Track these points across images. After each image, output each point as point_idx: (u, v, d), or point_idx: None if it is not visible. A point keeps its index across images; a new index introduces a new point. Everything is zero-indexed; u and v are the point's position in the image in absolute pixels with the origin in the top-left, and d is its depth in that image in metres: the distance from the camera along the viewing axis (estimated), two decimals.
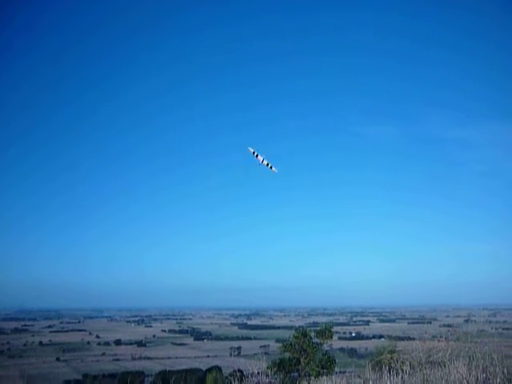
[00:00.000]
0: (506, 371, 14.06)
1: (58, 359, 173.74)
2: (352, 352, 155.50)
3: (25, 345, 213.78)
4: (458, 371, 14.47)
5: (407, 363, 17.32)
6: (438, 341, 19.20)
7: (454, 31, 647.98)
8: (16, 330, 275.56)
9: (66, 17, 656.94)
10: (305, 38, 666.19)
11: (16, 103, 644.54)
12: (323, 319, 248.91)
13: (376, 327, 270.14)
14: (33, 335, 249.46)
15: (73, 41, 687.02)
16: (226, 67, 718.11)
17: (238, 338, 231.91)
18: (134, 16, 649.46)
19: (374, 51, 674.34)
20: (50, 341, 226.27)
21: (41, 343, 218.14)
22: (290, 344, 26.83)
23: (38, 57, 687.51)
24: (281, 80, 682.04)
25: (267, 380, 21.71)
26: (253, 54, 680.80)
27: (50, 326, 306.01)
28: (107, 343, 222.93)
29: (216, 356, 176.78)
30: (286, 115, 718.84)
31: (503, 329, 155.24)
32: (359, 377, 19.28)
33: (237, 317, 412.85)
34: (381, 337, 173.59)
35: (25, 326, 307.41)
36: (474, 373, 14.26)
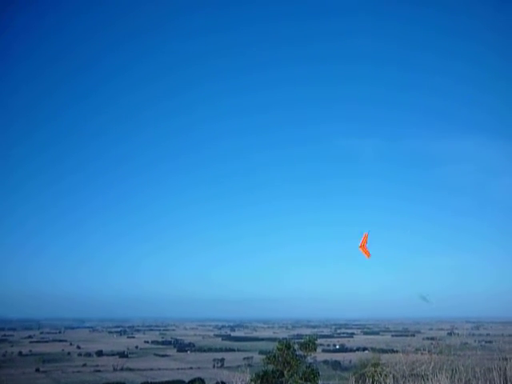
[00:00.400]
0: None
1: (37, 370, 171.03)
2: (336, 364, 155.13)
3: (4, 355, 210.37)
4: None
5: (390, 376, 17.30)
6: (422, 354, 19.23)
7: (428, 51, 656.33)
8: None
9: (68, 19, 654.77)
10: (297, 46, 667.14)
11: (16, 107, 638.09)
12: (307, 331, 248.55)
13: (360, 340, 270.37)
14: (12, 345, 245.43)
15: (74, 44, 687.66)
16: (220, 73, 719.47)
17: (221, 350, 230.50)
18: (136, 19, 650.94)
19: (365, 58, 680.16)
20: (30, 351, 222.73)
21: (20, 353, 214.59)
22: (274, 356, 26.68)
23: (40, 59, 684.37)
24: (274, 87, 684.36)
25: None
26: (239, 62, 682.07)
27: (30, 337, 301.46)
28: (88, 354, 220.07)
29: (199, 368, 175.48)
30: (279, 123, 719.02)
31: (486, 342, 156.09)
32: None
33: (220, 328, 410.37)
34: (365, 349, 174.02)
35: (4, 336, 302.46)
36: None
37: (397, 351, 23.02)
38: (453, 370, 15.60)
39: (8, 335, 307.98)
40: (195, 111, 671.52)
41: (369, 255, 21.73)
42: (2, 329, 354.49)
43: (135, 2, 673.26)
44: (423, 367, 17.08)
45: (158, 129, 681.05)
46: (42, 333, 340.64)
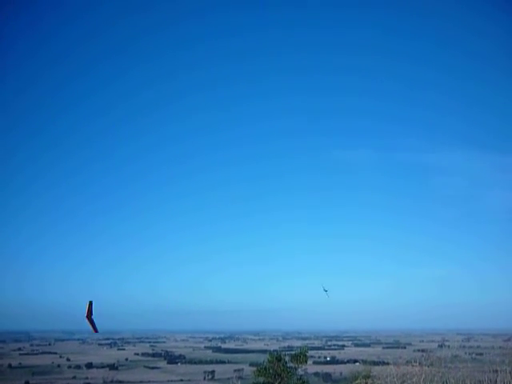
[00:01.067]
0: None
1: (27, 383, 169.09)
2: (327, 377, 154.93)
3: None
4: None
5: None
6: (413, 366, 19.30)
7: (420, 65, 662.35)
8: None
9: (69, 20, 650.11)
10: (294, 56, 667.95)
11: (14, 110, 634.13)
12: (298, 343, 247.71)
13: (351, 352, 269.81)
14: (1, 358, 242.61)
15: (75, 46, 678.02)
16: (211, 83, 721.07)
17: (211, 362, 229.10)
18: (141, 19, 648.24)
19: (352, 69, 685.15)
20: (20, 364, 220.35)
21: (10, 366, 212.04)
22: (265, 368, 26.66)
23: (39, 62, 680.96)
24: (263, 97, 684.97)
25: None
26: (233, 71, 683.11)
27: (19, 349, 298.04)
28: (78, 366, 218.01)
29: (189, 380, 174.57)
30: (272, 133, 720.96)
31: (477, 354, 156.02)
32: None
33: (211, 340, 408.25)
34: (355, 361, 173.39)
35: None
36: None
37: (388, 363, 23.09)
38: (444, 383, 15.67)
39: None
40: (196, 117, 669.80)
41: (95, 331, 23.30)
42: None
43: (134, 7, 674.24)
44: (414, 379, 17.14)
45: (159, 133, 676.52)
46: (31, 345, 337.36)
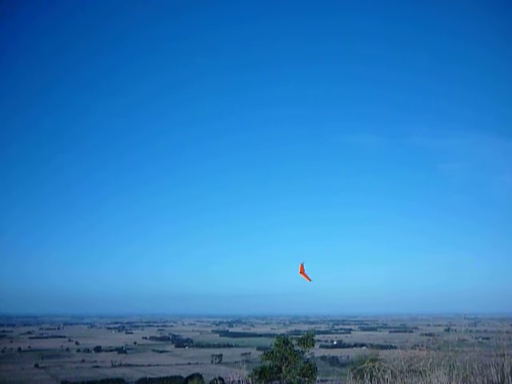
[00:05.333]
0: (486, 380, 14.12)
1: (36, 366, 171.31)
2: (333, 360, 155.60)
3: (3, 351, 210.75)
4: (438, 380, 14.50)
5: (388, 371, 17.31)
6: (420, 350, 19.24)
7: (428, 53, 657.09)
8: None
9: (64, 15, 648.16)
10: (303, 43, 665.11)
11: (9, 103, 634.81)
12: (305, 327, 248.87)
13: (358, 336, 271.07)
14: (11, 341, 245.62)
15: (72, 39, 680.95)
16: (223, 69, 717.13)
17: (219, 346, 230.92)
18: (135, 14, 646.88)
19: (363, 59, 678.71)
20: (29, 347, 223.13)
21: (20, 349, 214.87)
22: (272, 352, 26.74)
23: (37, 55, 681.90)
24: (272, 85, 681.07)
25: None
26: (252, 57, 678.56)
27: (29, 333, 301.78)
28: (87, 350, 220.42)
29: (197, 363, 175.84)
30: (278, 119, 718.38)
31: (483, 338, 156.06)
32: None
33: (218, 324, 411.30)
34: (362, 345, 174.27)
35: (3, 332, 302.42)
36: (454, 382, 14.30)
37: (395, 347, 23.06)
38: (450, 366, 15.62)
39: (7, 331, 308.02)
40: (201, 105, 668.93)
41: (309, 279, 24.32)
42: (2, 325, 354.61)
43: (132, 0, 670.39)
44: (421, 363, 17.08)
45: (156, 124, 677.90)
46: (41, 329, 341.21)
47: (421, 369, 16.63)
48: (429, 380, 14.88)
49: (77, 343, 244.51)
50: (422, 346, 19.84)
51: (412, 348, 19.92)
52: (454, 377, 14.52)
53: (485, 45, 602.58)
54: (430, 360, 16.93)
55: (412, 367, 17.55)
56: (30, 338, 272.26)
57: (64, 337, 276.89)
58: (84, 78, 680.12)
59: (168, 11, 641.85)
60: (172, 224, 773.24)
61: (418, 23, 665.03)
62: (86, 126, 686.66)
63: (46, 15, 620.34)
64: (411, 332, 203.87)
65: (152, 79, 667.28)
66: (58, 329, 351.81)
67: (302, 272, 24.42)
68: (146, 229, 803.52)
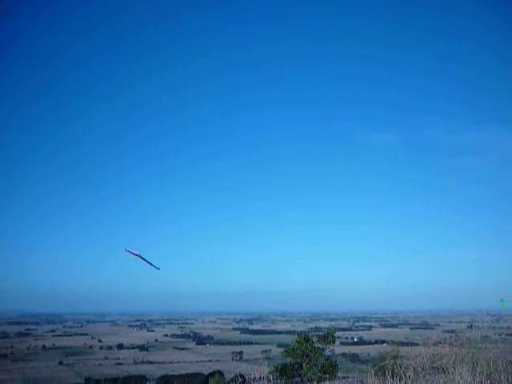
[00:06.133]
0: (510, 377, 13.95)
1: (60, 363, 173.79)
2: (354, 357, 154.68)
3: (28, 349, 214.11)
4: (462, 377, 14.35)
5: (411, 369, 17.17)
6: (442, 346, 19.05)
7: (452, 40, 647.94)
8: (19, 334, 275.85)
9: (66, 14, 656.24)
10: (306, 45, 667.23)
11: (10, 104, 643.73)
12: (325, 324, 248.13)
13: (378, 332, 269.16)
14: (36, 339, 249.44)
15: (73, 39, 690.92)
16: (226, 70, 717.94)
17: (239, 343, 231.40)
18: (137, 14, 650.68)
19: (375, 60, 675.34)
20: (53, 345, 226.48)
21: (44, 347, 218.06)
22: (293, 349, 26.71)
23: (39, 54, 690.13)
24: (283, 85, 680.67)
25: None
26: (254, 58, 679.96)
27: (52, 330, 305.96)
28: (109, 347, 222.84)
29: (218, 360, 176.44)
30: (287, 120, 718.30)
31: (507, 335, 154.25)
32: (362, 382, 19.17)
33: (238, 321, 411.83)
34: (383, 342, 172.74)
35: (28, 330, 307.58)
36: (478, 379, 14.14)
37: (416, 344, 22.90)
38: (474, 363, 15.44)
39: (32, 329, 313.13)
40: (206, 104, 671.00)
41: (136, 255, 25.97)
42: (26, 323, 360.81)
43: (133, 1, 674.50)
44: (444, 360, 16.92)
45: (163, 122, 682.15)
46: (64, 327, 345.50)
47: (443, 366, 16.48)
48: (452, 377, 14.72)
49: (99, 341, 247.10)
50: (445, 342, 19.66)
51: (434, 345, 19.73)
52: (477, 374, 14.36)
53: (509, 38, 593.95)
54: (453, 357, 16.77)
55: (434, 364, 17.40)
56: (54, 335, 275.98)
57: (87, 334, 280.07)
58: (85, 78, 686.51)
59: (170, 12, 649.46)
60: (190, 218, 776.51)
61: (420, 26, 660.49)
62: (87, 126, 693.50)
63: (46, 15, 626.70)
64: (433, 329, 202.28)
65: (153, 80, 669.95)
66: (81, 326, 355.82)
67: (133, 254, 25.75)
68: (178, 232, 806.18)
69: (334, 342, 27.39)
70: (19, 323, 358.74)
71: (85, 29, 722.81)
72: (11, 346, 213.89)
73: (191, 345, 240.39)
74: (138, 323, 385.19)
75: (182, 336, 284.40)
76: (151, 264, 25.58)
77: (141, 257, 25.30)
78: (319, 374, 25.20)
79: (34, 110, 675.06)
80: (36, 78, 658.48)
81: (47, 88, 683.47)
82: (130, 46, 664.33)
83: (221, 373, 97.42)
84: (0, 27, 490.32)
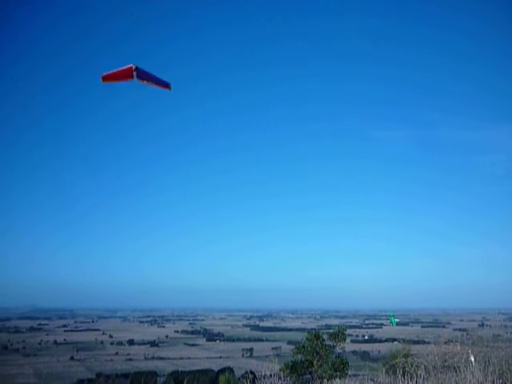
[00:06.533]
0: None
1: (72, 358, 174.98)
2: (365, 355, 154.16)
3: (40, 343, 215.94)
4: (473, 376, 14.26)
5: (422, 367, 17.09)
6: (454, 345, 18.93)
7: (463, 38, 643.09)
8: (31, 329, 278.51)
9: (69, 13, 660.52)
10: (318, 43, 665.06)
11: (12, 103, 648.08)
12: (336, 322, 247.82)
13: (389, 330, 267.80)
14: (47, 334, 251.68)
15: (75, 39, 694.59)
16: (234, 68, 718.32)
17: (250, 340, 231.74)
18: (140, 12, 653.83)
19: (386, 59, 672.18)
20: (65, 340, 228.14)
21: (55, 342, 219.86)
22: (303, 346, 26.71)
23: (40, 54, 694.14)
24: (293, 82, 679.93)
25: (280, 382, 21.60)
26: (266, 56, 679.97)
27: (64, 326, 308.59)
28: (120, 343, 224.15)
29: (228, 357, 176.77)
30: (296, 118, 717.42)
31: None
32: (372, 380, 19.11)
33: (249, 318, 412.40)
34: (394, 340, 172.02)
35: (40, 325, 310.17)
36: (490, 378, 14.04)
37: (428, 342, 22.78)
38: (486, 362, 15.33)
39: (43, 324, 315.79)
40: (215, 102, 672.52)
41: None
42: (38, 318, 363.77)
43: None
44: (456, 359, 16.81)
45: (171, 119, 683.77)
46: (75, 322, 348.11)
47: (455, 365, 16.37)
48: (463, 376, 14.63)
49: (110, 336, 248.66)
50: (456, 341, 19.54)
51: (445, 343, 19.61)
52: (489, 373, 14.26)
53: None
54: (465, 355, 16.65)
55: (446, 363, 17.29)
56: (65, 330, 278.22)
57: (98, 330, 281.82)
58: (84, 79, 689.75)
59: (169, 12, 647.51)
60: (199, 216, 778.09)
61: (442, 26, 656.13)
62: (90, 127, 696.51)
63: (47, 17, 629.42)
64: (444, 327, 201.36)
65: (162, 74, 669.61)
66: (93, 322, 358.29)
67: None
68: (189, 228, 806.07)
69: (344, 339, 27.37)
70: (31, 318, 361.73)
71: (84, 29, 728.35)
72: (23, 341, 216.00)
73: (202, 341, 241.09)
74: (149, 319, 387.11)
75: (192, 332, 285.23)
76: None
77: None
78: (330, 371, 25.17)
79: (35, 109, 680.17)
80: (39, 76, 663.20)
81: (50, 87, 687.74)
82: (130, 46, 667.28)
83: (231, 369, 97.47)
84: (2, 27, 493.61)
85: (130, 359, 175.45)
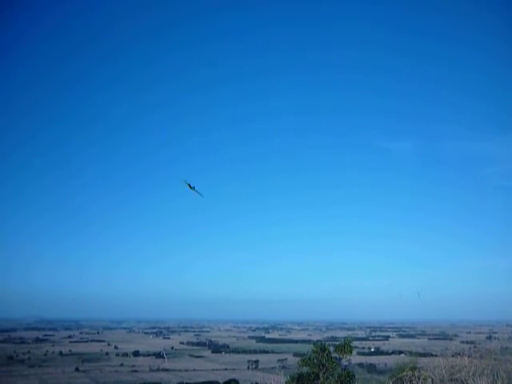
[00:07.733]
0: None
1: (77, 369, 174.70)
2: (371, 368, 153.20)
3: (45, 354, 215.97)
4: None
5: (429, 380, 16.97)
6: (461, 358, 18.78)
7: (468, 50, 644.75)
8: (37, 340, 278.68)
9: (73, 19, 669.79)
10: (329, 53, 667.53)
11: (15, 111, 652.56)
12: (342, 334, 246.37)
13: (396, 343, 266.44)
14: (53, 345, 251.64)
15: (78, 48, 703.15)
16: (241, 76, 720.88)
17: (255, 351, 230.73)
18: (144, 21, 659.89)
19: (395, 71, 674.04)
20: (70, 351, 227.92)
21: (61, 353, 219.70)
22: (309, 358, 26.55)
23: (43, 62, 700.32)
24: (303, 93, 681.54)
25: None
26: (275, 64, 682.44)
27: (69, 336, 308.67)
28: (125, 354, 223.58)
29: (234, 369, 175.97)
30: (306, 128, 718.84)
31: None
32: None
33: (254, 330, 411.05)
34: (401, 352, 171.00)
35: (45, 335, 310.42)
36: None
37: (435, 355, 22.60)
38: (494, 375, 15.21)
39: (49, 335, 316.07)
40: (226, 110, 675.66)
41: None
42: (44, 329, 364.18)
43: (137, 9, 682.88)
44: (463, 372, 16.67)
45: (173, 129, 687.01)
46: (81, 333, 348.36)
47: (463, 378, 16.24)
48: None
49: (116, 347, 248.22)
50: (464, 354, 19.36)
51: (453, 356, 19.43)
52: None
53: None
54: (473, 369, 16.50)
55: (453, 376, 17.14)
56: (70, 341, 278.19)
57: (103, 341, 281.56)
58: (89, 86, 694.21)
59: (175, 21, 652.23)
60: (203, 227, 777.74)
61: (440, 35, 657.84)
62: (98, 132, 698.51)
63: (48, 19, 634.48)
64: (451, 340, 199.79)
65: (157, 88, 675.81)
66: (98, 333, 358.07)
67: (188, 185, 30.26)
68: (194, 240, 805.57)
69: (351, 352, 27.18)
70: (37, 329, 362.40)
71: (90, 35, 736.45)
72: (28, 352, 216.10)
73: (207, 353, 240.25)
74: (155, 330, 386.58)
75: (197, 344, 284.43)
76: (197, 192, 30.53)
77: (190, 186, 30.02)
78: None
79: (41, 111, 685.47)
80: (46, 80, 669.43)
81: (61, 89, 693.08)
82: (134, 54, 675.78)
83: (236, 381, 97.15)
84: (5, 31, 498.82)
85: (135, 371, 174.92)
